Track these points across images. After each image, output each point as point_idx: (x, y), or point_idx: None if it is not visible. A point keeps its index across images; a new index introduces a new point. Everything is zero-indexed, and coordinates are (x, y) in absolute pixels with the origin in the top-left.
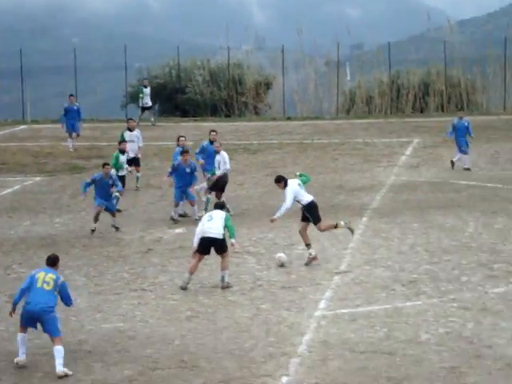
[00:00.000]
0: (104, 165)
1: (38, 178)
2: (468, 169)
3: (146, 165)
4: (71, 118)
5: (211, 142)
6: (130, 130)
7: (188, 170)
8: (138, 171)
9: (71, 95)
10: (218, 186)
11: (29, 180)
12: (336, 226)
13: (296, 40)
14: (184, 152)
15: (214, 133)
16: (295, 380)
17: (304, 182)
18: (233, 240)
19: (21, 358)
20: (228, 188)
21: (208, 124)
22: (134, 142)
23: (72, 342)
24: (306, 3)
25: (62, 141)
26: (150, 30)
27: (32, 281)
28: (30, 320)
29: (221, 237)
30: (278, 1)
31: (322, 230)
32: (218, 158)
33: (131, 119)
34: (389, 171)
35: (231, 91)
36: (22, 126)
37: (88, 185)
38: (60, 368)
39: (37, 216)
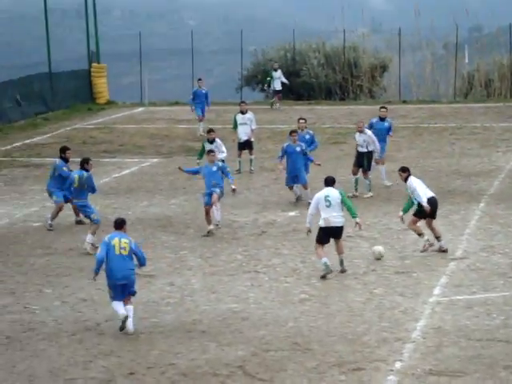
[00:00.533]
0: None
1: (154, 160)
2: None
3: (260, 148)
4: (200, 102)
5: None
6: (243, 112)
7: (298, 149)
8: (251, 154)
9: (200, 79)
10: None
11: (146, 162)
12: (420, 235)
13: (413, 22)
14: (292, 132)
15: (303, 121)
16: (409, 366)
17: None
18: (357, 219)
19: (122, 313)
20: (341, 172)
21: (322, 107)
22: (247, 124)
23: (187, 321)
24: None
25: (178, 123)
26: (266, 13)
27: (109, 248)
28: (118, 288)
29: (343, 224)
30: None
31: (411, 227)
32: (363, 137)
33: (243, 102)
34: (508, 156)
35: (346, 74)
36: (140, 109)
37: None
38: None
39: (153, 197)
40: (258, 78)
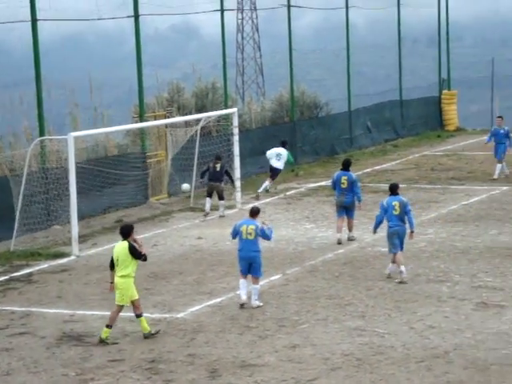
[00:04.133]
0: None
1: (504, 188)
2: None
3: None
4: (497, 142)
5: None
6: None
7: None
8: None
9: (499, 117)
10: None
11: (495, 189)
12: None
13: None
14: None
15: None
16: None
17: None
18: None
19: (243, 298)
20: None
21: None
22: None
23: None
24: None
25: None
26: None
27: (238, 232)
28: (244, 264)
29: None
30: None
31: None
32: None
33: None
34: None
35: None
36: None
37: None
38: (255, 302)
39: (503, 225)
40: None
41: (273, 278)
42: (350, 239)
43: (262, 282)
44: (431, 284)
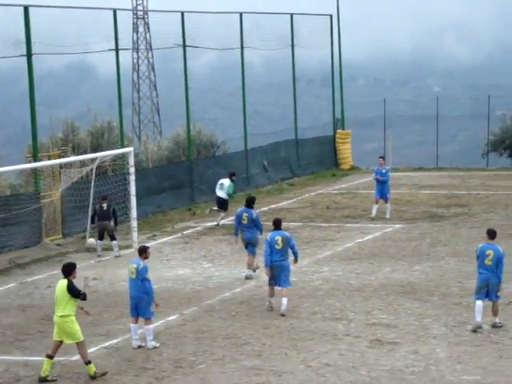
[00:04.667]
0: None
1: (397, 225)
2: None
3: (507, 215)
4: (379, 182)
5: None
6: None
7: None
8: None
9: (381, 157)
10: None
11: (389, 227)
12: None
13: None
14: None
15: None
16: None
17: None
18: None
19: (134, 345)
20: None
21: None
22: None
23: None
24: None
25: (421, 189)
26: None
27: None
28: (132, 304)
29: None
30: None
31: None
32: None
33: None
34: None
35: None
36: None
37: None
38: (150, 343)
39: (396, 263)
40: (505, 144)
41: (170, 318)
42: (247, 278)
43: (158, 323)
44: (327, 322)
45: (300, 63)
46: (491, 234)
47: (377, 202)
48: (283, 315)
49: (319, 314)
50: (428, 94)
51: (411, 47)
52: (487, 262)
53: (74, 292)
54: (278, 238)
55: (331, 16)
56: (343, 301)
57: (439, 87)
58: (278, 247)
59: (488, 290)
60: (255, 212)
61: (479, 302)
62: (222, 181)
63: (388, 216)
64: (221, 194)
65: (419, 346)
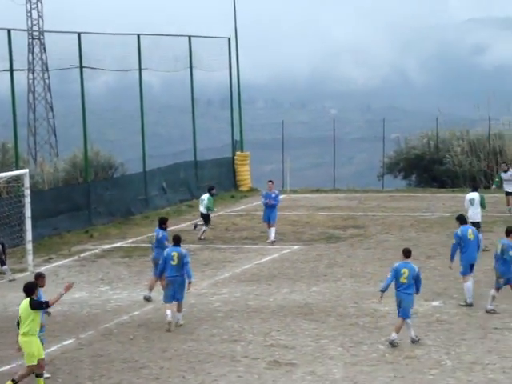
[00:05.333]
0: None
1: (295, 247)
2: None
3: (402, 236)
4: (268, 206)
5: None
6: None
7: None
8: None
9: (270, 181)
10: None
11: (287, 248)
12: None
13: None
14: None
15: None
16: None
17: None
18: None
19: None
20: (487, 262)
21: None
22: None
23: None
24: None
25: (318, 210)
26: (409, 102)
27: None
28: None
29: None
30: None
31: None
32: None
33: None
34: None
35: (491, 162)
36: (282, 196)
37: None
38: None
39: (294, 284)
40: (400, 166)
41: (65, 342)
42: (146, 299)
43: (53, 347)
44: (225, 344)
45: (199, 85)
46: (406, 253)
47: (269, 226)
48: (181, 325)
49: (218, 336)
50: (325, 116)
51: (309, 70)
52: (402, 280)
53: (36, 304)
54: (174, 254)
55: (229, 39)
56: (242, 322)
57: (336, 109)
58: (173, 263)
59: (400, 308)
60: (162, 232)
61: (399, 319)
62: (202, 197)
63: (273, 239)
64: (202, 209)
65: (316, 366)
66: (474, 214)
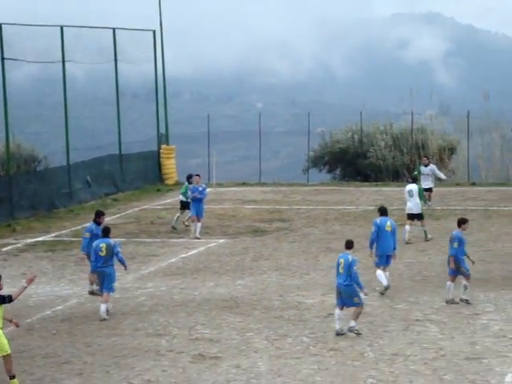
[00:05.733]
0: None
1: (221, 240)
2: None
3: (327, 229)
4: (194, 200)
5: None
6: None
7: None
8: None
9: (197, 175)
10: None
11: (213, 242)
12: None
13: (482, 105)
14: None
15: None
16: None
17: None
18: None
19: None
20: (409, 255)
21: (390, 189)
22: None
23: None
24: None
25: (245, 203)
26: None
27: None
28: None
29: None
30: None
31: None
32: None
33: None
34: None
35: (414, 156)
36: (208, 189)
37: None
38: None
39: (220, 277)
40: (325, 160)
41: None
42: (92, 293)
43: None
44: (150, 338)
45: (124, 77)
46: (347, 244)
47: (198, 220)
48: (104, 319)
49: (142, 331)
50: (251, 109)
51: (235, 63)
52: (340, 270)
53: (0, 301)
54: (103, 246)
55: (154, 31)
56: (167, 316)
57: (262, 103)
58: (101, 254)
59: (342, 298)
60: (94, 225)
61: (337, 310)
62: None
63: (197, 235)
64: (180, 197)
65: (241, 359)
66: (414, 205)
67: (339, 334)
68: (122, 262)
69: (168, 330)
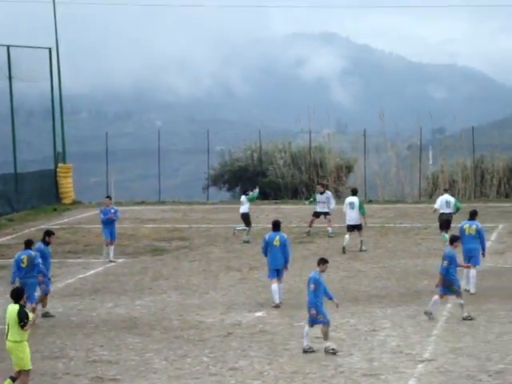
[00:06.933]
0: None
1: (120, 260)
2: None
3: (227, 247)
4: (106, 222)
5: None
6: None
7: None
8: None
9: (107, 197)
10: None
11: (111, 262)
12: None
13: (378, 124)
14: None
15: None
16: None
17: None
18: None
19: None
20: (307, 273)
21: (289, 206)
22: None
23: None
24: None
25: (144, 223)
26: (233, 114)
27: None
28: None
29: None
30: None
31: None
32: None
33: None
34: None
35: (312, 174)
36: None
37: None
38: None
39: (118, 298)
40: (224, 178)
41: None
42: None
43: None
44: (46, 361)
45: (20, 95)
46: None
47: (111, 244)
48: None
49: (39, 353)
50: (150, 127)
51: (133, 81)
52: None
53: (20, 318)
54: (24, 257)
55: (50, 49)
56: (64, 338)
57: (161, 121)
58: (23, 265)
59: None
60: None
61: (306, 327)
62: (242, 199)
63: (112, 259)
64: (242, 209)
65: (140, 381)
66: (353, 217)
67: (306, 351)
68: (38, 272)
69: (65, 352)
